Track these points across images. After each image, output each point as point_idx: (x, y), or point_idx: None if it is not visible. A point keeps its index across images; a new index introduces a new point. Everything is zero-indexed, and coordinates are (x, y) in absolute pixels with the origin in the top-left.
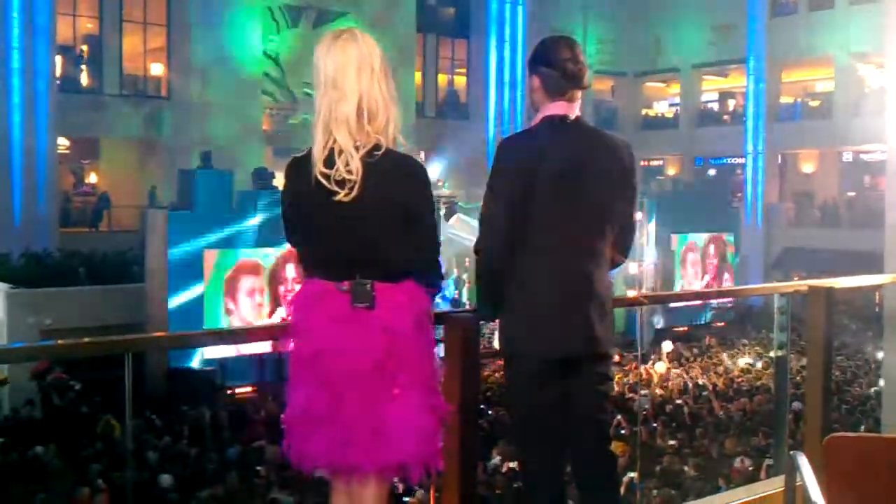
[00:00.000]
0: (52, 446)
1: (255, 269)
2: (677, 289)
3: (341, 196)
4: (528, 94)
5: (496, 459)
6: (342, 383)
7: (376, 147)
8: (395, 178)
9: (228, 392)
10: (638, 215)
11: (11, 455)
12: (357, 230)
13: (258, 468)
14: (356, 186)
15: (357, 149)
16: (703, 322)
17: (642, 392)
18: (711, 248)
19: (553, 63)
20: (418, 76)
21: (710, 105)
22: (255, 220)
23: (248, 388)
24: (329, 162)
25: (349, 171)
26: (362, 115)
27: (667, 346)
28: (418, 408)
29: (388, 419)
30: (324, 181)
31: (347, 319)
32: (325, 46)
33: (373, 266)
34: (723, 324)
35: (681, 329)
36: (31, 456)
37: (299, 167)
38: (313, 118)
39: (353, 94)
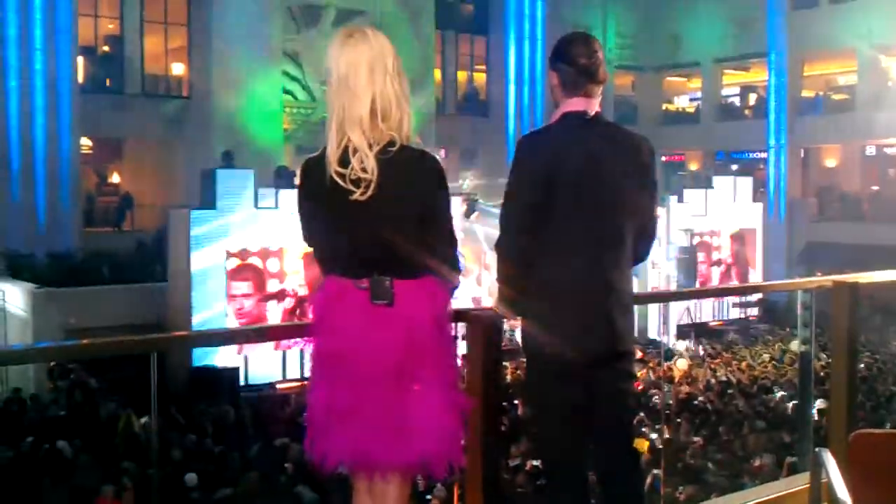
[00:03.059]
0: (77, 442)
1: None
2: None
3: (357, 195)
4: (549, 90)
5: (519, 458)
6: (363, 380)
7: (390, 143)
8: (410, 174)
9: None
10: (659, 210)
11: (38, 452)
12: (374, 228)
13: (286, 465)
14: (372, 185)
15: (371, 146)
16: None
17: (664, 388)
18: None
19: (568, 59)
20: (438, 73)
21: (731, 99)
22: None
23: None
24: (344, 161)
25: (364, 171)
26: (376, 114)
27: (684, 344)
28: (439, 404)
29: (409, 416)
30: (339, 180)
31: (367, 316)
32: (337, 45)
33: (391, 263)
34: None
35: (705, 325)
36: (57, 452)
37: (314, 167)
38: (327, 117)
39: (367, 93)
